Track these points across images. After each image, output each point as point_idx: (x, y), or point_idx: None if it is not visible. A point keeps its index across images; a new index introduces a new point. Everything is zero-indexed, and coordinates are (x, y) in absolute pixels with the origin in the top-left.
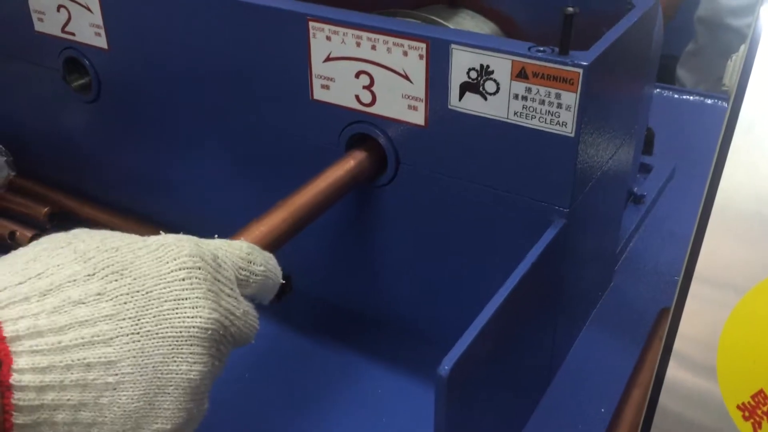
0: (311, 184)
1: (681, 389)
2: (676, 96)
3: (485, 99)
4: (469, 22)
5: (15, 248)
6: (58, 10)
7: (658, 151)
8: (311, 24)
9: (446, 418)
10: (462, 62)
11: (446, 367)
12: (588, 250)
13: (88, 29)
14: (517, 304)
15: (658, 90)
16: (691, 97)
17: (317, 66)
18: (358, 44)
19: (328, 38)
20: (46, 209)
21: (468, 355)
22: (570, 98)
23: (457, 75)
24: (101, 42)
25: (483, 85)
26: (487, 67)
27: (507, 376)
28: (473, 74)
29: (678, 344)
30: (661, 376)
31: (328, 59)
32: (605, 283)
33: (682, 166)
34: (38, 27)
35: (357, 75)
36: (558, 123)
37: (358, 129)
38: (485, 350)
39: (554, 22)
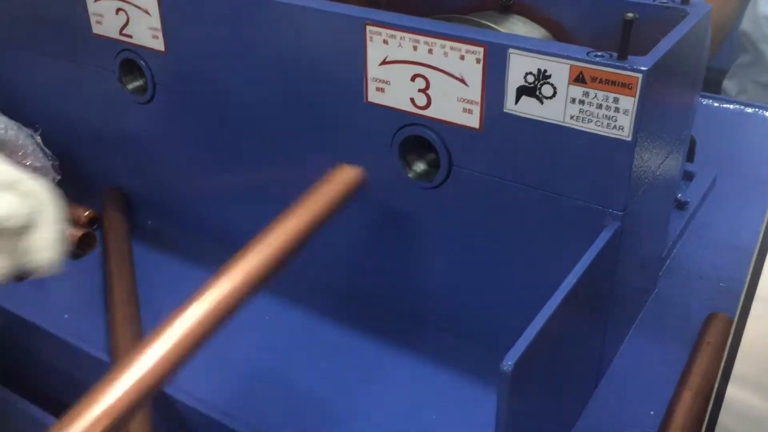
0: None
1: (741, 408)
2: (715, 104)
3: (541, 103)
4: (520, 27)
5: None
6: (117, 13)
7: (698, 158)
8: (369, 28)
9: (508, 412)
10: (519, 66)
11: (509, 363)
12: (638, 253)
13: (146, 32)
14: (573, 304)
15: None
16: (731, 106)
17: (373, 69)
18: (415, 48)
19: (385, 42)
20: (87, 213)
21: (529, 351)
22: (628, 102)
23: (514, 79)
24: (158, 44)
25: (540, 89)
26: (545, 71)
27: (560, 375)
28: (530, 78)
29: (738, 364)
30: (720, 395)
31: (384, 63)
32: (651, 286)
33: (722, 174)
34: (96, 29)
35: (413, 78)
36: (615, 127)
37: (412, 131)
38: (543, 348)
39: (603, 28)
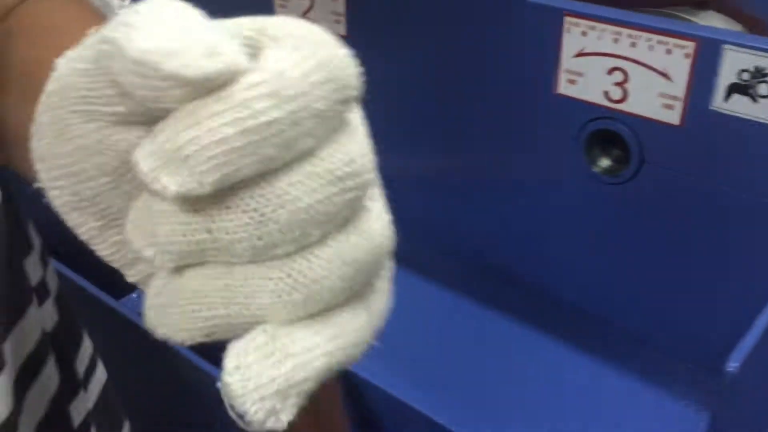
0: None
1: None
2: None
3: (755, 101)
4: (718, 22)
5: None
6: None
7: None
8: (567, 19)
9: (729, 413)
10: (734, 63)
11: (735, 364)
12: None
13: (329, 16)
14: None
15: None
16: None
17: (567, 60)
18: (616, 41)
19: (584, 33)
20: None
21: (751, 355)
22: None
23: (727, 76)
24: (340, 29)
25: (755, 87)
26: (763, 69)
27: (760, 382)
28: (745, 76)
29: None
30: None
31: (579, 54)
32: None
33: None
34: (279, 12)
35: (610, 71)
36: None
37: (602, 125)
38: (760, 353)
39: None
